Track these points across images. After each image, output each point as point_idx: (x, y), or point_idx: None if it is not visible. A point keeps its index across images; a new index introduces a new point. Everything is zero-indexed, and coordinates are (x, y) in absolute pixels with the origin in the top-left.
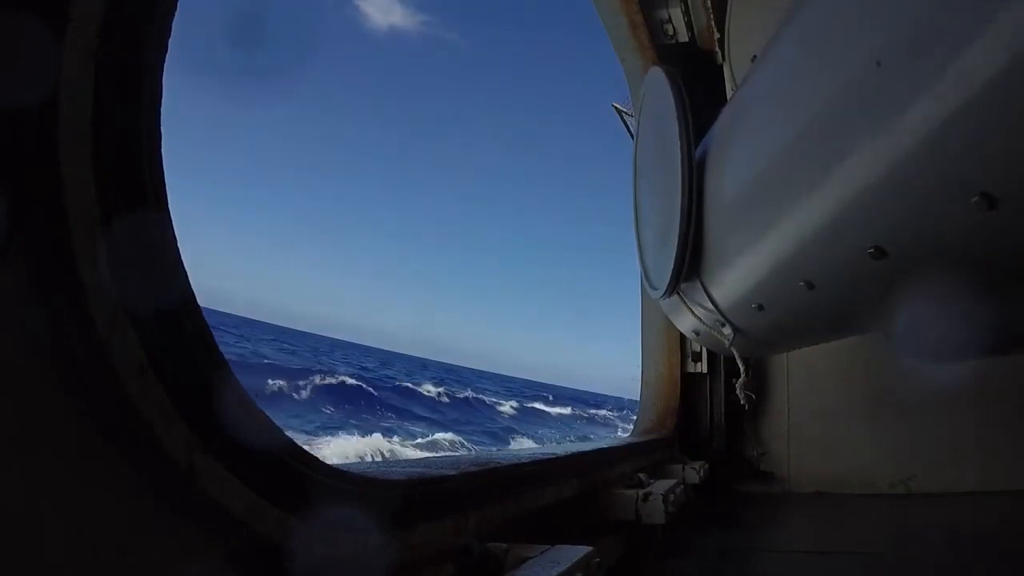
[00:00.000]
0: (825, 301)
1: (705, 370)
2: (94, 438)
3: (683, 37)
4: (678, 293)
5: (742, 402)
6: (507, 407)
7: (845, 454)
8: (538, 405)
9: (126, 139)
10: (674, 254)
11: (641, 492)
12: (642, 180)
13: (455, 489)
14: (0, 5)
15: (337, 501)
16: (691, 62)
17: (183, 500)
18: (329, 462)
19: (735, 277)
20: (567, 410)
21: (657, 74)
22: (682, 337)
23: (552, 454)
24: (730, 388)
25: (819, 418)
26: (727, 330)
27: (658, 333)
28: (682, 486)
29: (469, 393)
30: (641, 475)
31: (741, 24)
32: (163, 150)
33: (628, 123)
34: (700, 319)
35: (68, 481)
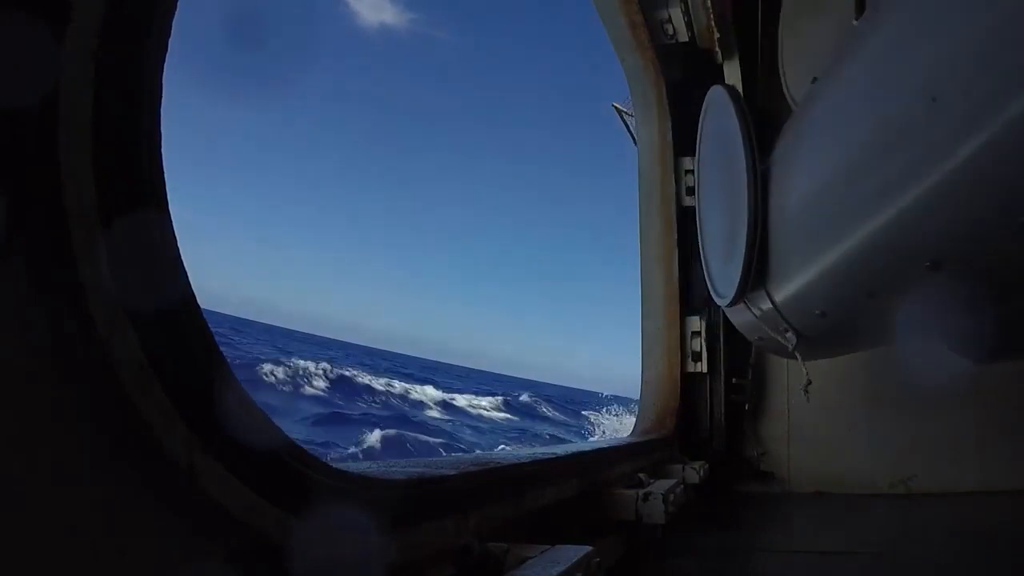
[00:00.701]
0: (885, 309)
1: (705, 370)
2: (94, 438)
3: (683, 37)
4: (744, 301)
5: (807, 401)
6: (436, 410)
7: (845, 454)
8: (485, 403)
9: (126, 139)
10: (741, 265)
11: (641, 492)
12: (704, 194)
13: (455, 489)
14: (0, 5)
15: (337, 501)
16: (691, 62)
17: (183, 500)
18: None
19: (799, 286)
20: (516, 416)
21: (719, 93)
22: (682, 336)
23: (552, 454)
24: (730, 388)
25: (819, 418)
26: (791, 336)
27: (658, 333)
28: (682, 486)
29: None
30: (641, 475)
31: (795, 42)
32: (163, 150)
33: (628, 123)
34: (764, 325)
35: (68, 481)
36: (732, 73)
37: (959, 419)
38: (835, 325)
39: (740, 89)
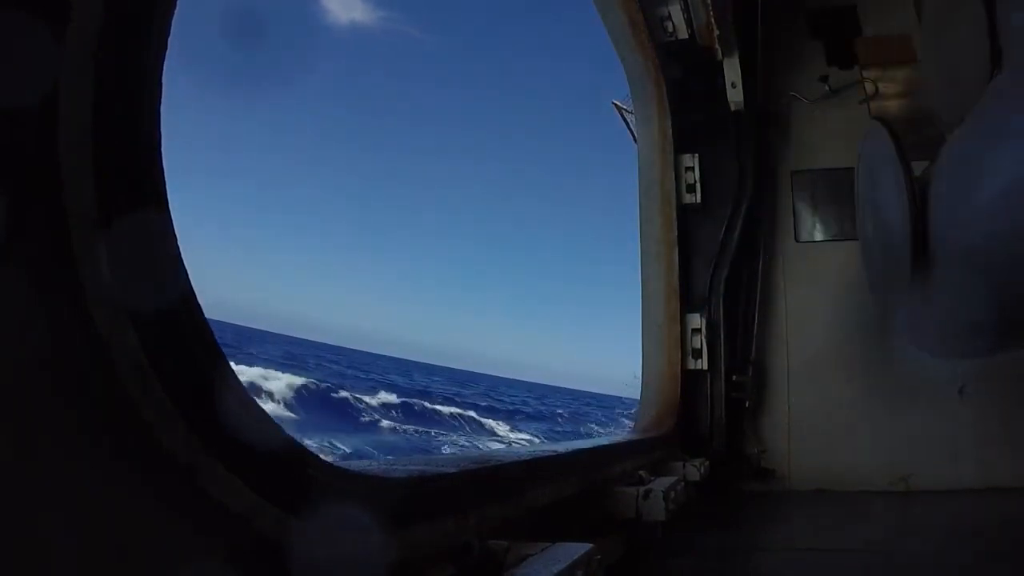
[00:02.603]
0: None
1: (705, 367)
2: (94, 438)
3: (683, 34)
4: (908, 305)
5: (960, 400)
6: None
7: (845, 452)
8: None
9: (126, 139)
10: (907, 280)
11: (642, 489)
12: (866, 212)
13: (456, 487)
14: (0, 5)
15: (337, 499)
16: (691, 59)
17: (183, 500)
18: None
19: (959, 292)
20: None
21: (876, 125)
22: (682, 334)
23: (553, 451)
24: (731, 386)
25: (819, 416)
26: (951, 337)
27: (658, 331)
28: (683, 483)
29: None
30: (642, 472)
31: (938, 77)
32: (163, 149)
33: (628, 121)
34: (926, 329)
35: (68, 481)
36: (732, 70)
37: (958, 417)
38: (989, 326)
39: (740, 85)
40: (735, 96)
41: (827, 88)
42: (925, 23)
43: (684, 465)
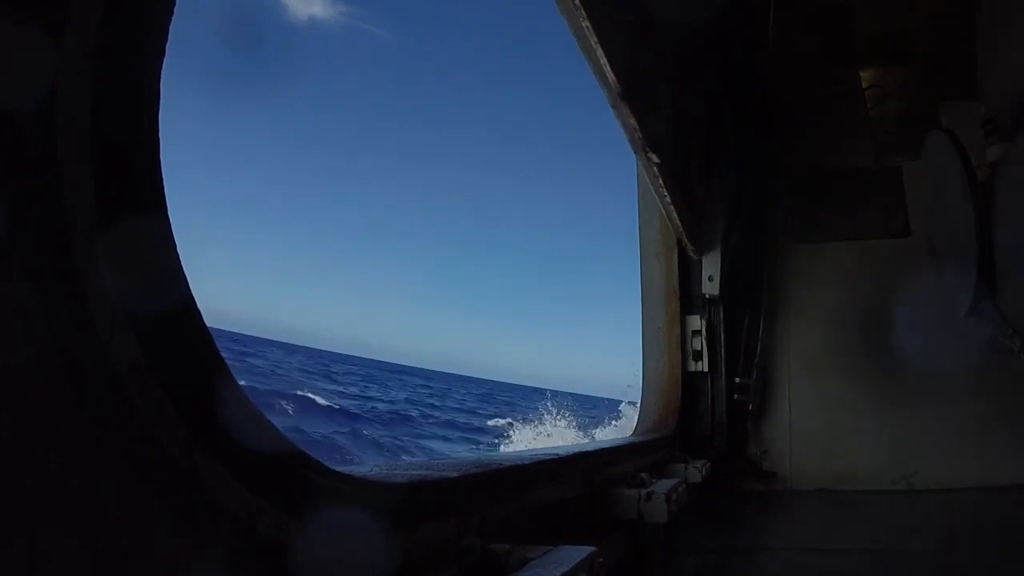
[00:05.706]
0: None
1: (706, 368)
2: (94, 438)
3: None
4: (975, 312)
5: None
6: None
7: (847, 451)
8: None
9: (126, 140)
10: (974, 283)
11: (643, 491)
12: (935, 220)
13: (457, 490)
14: (0, 5)
15: (338, 503)
16: None
17: (183, 501)
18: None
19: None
20: None
21: (936, 131)
22: (683, 335)
23: (555, 454)
24: (732, 387)
25: (821, 415)
26: (1017, 340)
27: (659, 332)
28: (684, 485)
29: None
30: (643, 474)
31: (997, 80)
32: (161, 151)
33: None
34: (995, 333)
35: (67, 482)
36: (711, 265)
37: (961, 415)
38: None
39: (717, 279)
40: (711, 289)
41: (826, 87)
42: (984, 19)
43: (686, 466)
